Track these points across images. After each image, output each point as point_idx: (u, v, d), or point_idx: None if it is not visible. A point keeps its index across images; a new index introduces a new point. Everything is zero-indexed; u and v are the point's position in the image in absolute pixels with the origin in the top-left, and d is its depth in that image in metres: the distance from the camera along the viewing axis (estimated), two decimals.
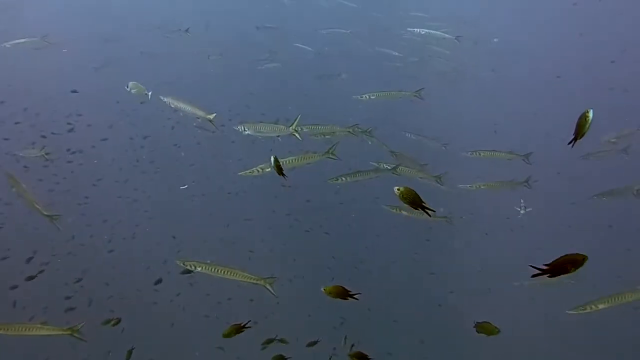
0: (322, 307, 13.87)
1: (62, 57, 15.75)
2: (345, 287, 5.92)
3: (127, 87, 9.44)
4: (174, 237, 14.29)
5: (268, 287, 6.83)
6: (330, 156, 7.50)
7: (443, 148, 14.09)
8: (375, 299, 14.07)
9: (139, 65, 17.46)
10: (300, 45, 19.66)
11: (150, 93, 9.43)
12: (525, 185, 10.37)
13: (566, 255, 4.50)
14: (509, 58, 22.22)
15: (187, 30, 16.95)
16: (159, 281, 12.11)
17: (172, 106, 8.38)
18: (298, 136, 7.78)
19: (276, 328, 13.39)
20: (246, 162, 8.03)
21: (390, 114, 16.96)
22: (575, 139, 5.01)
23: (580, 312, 6.38)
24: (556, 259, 4.50)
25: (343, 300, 5.90)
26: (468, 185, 10.10)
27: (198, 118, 8.48)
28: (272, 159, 6.26)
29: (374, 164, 9.39)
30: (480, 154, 10.08)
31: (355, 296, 5.89)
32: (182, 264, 6.94)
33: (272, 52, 18.60)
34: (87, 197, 14.08)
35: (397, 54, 18.66)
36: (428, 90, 11.54)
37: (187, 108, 8.35)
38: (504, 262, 15.14)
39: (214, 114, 8.31)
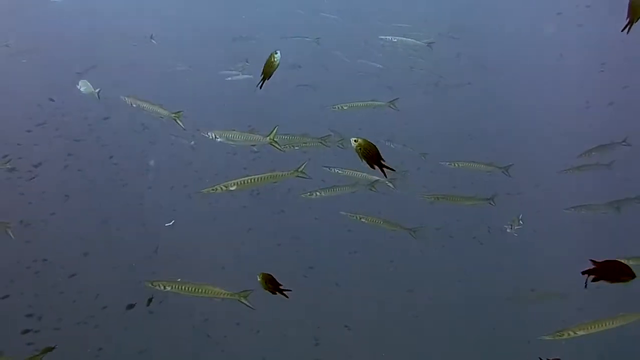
0: (299, 323, 13.56)
1: (37, 64, 15.41)
2: (277, 280, 5.52)
3: (78, 85, 9.18)
4: (156, 252, 13.84)
5: (243, 301, 6.55)
6: (300, 174, 7.09)
7: (422, 158, 13.95)
8: (353, 315, 13.83)
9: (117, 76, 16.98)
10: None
11: (98, 90, 9.18)
12: (490, 203, 9.84)
13: (616, 261, 4.13)
14: (491, 70, 22.23)
15: (151, 37, 16.59)
16: (131, 306, 11.39)
17: (134, 105, 8.02)
18: (278, 147, 7.39)
19: (253, 347, 13.09)
20: (220, 179, 7.62)
21: (372, 124, 16.78)
22: (630, 23, 4.27)
23: (557, 338, 5.95)
24: (604, 261, 4.12)
25: (272, 293, 5.50)
26: (425, 196, 9.52)
27: (162, 117, 8.10)
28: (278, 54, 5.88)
29: (326, 168, 9.18)
30: (458, 165, 9.75)
31: (284, 292, 5.53)
32: (150, 285, 6.70)
33: (246, 63, 18.29)
34: (54, 213, 13.52)
35: (380, 66, 18.45)
36: (408, 101, 11.29)
37: (150, 107, 8.01)
38: (483, 275, 14.97)
39: (180, 112, 7.96)
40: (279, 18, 22.49)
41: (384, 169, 4.38)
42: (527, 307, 13.73)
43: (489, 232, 14.94)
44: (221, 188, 6.69)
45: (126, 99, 8.04)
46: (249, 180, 6.78)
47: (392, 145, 14.16)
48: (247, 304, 6.53)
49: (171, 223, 12.94)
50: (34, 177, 13.23)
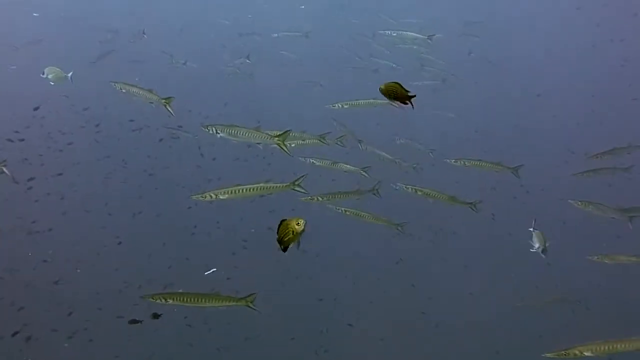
0: (305, 327, 13.28)
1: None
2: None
3: (44, 74, 8.85)
4: (149, 255, 13.44)
5: (251, 305, 6.35)
6: (296, 188, 6.66)
7: (430, 154, 13.89)
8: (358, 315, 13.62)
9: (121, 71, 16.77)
10: (285, 53, 19.29)
11: (70, 74, 8.94)
12: (471, 208, 9.31)
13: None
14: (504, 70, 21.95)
15: (143, 33, 16.41)
16: (134, 321, 10.28)
17: (124, 91, 7.77)
18: (286, 150, 6.91)
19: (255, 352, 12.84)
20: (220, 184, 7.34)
21: (380, 119, 16.58)
22: None
23: (562, 357, 5.59)
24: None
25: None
26: (405, 187, 8.79)
27: (152, 103, 7.79)
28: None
29: (301, 159, 8.91)
30: (465, 163, 9.32)
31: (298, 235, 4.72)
32: (151, 299, 6.44)
33: (247, 61, 18.04)
34: (50, 218, 13.16)
35: (394, 65, 18.14)
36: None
37: (140, 92, 7.75)
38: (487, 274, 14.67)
39: (171, 97, 7.67)
40: (284, 15, 22.30)
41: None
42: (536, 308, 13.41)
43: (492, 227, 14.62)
44: (210, 196, 6.39)
45: (115, 84, 7.81)
46: (241, 190, 6.45)
47: (401, 141, 14.03)
48: (255, 308, 6.34)
49: (212, 271, 12.38)
50: (30, 187, 12.87)
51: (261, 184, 6.54)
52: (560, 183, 13.05)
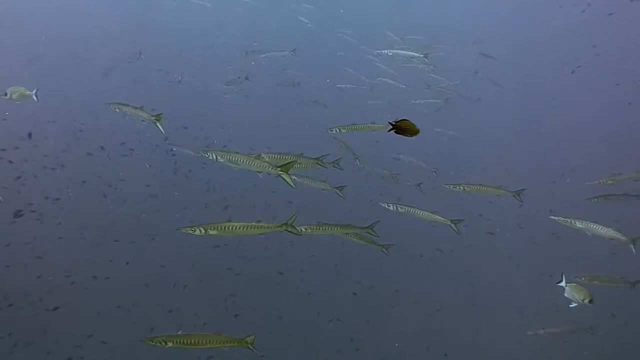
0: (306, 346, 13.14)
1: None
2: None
3: (6, 94, 8.70)
4: (146, 285, 13.07)
5: (250, 347, 6.41)
6: (289, 229, 6.56)
7: (433, 173, 14.11)
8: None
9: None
10: (290, 72, 19.27)
11: (35, 91, 8.83)
12: (453, 228, 8.57)
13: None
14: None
15: (140, 53, 16.46)
16: None
17: (117, 110, 8.02)
18: (290, 182, 6.77)
19: None
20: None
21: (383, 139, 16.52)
22: None
23: None
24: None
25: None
26: (386, 204, 8.52)
27: (143, 121, 8.11)
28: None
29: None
30: (464, 188, 9.05)
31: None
32: (150, 342, 6.39)
33: (246, 80, 18.05)
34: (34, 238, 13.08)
35: (403, 86, 18.09)
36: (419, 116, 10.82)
37: (132, 111, 8.03)
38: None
39: (160, 114, 7.93)
40: (291, 34, 22.29)
41: None
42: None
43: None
44: (200, 230, 6.27)
45: (110, 105, 8.06)
46: (232, 227, 6.38)
47: (404, 159, 14.18)
48: (254, 349, 6.40)
49: None
50: (27, 211, 12.76)
51: (252, 223, 6.44)
52: (562, 203, 12.92)
